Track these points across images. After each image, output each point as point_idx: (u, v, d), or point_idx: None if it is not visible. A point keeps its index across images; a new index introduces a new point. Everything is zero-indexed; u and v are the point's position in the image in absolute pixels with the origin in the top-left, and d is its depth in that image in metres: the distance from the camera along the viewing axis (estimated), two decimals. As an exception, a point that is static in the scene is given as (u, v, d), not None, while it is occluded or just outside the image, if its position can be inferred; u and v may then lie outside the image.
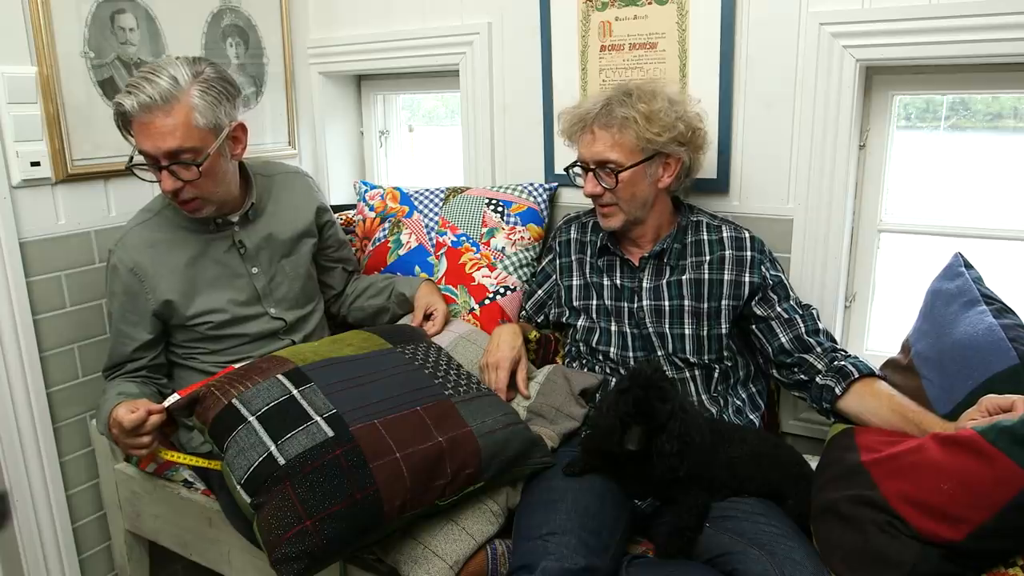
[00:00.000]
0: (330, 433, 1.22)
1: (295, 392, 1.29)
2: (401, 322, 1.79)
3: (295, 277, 1.72)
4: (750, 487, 1.36)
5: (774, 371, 1.56)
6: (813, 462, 1.42)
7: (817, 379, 1.46)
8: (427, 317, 1.76)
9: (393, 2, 2.17)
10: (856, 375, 1.41)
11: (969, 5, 1.42)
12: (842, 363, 1.44)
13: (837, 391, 1.42)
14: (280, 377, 1.32)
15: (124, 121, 1.45)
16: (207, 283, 1.60)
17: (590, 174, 1.55)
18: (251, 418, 1.26)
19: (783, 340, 1.52)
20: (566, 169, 1.62)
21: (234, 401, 1.28)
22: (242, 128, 1.54)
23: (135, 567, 1.88)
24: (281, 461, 1.20)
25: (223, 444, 1.26)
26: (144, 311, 1.57)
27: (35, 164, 1.68)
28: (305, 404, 1.27)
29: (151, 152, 1.43)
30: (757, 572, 1.18)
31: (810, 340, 1.50)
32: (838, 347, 1.50)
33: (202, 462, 1.47)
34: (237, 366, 1.43)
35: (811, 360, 1.48)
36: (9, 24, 1.63)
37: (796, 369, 1.50)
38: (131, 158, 1.47)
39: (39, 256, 1.73)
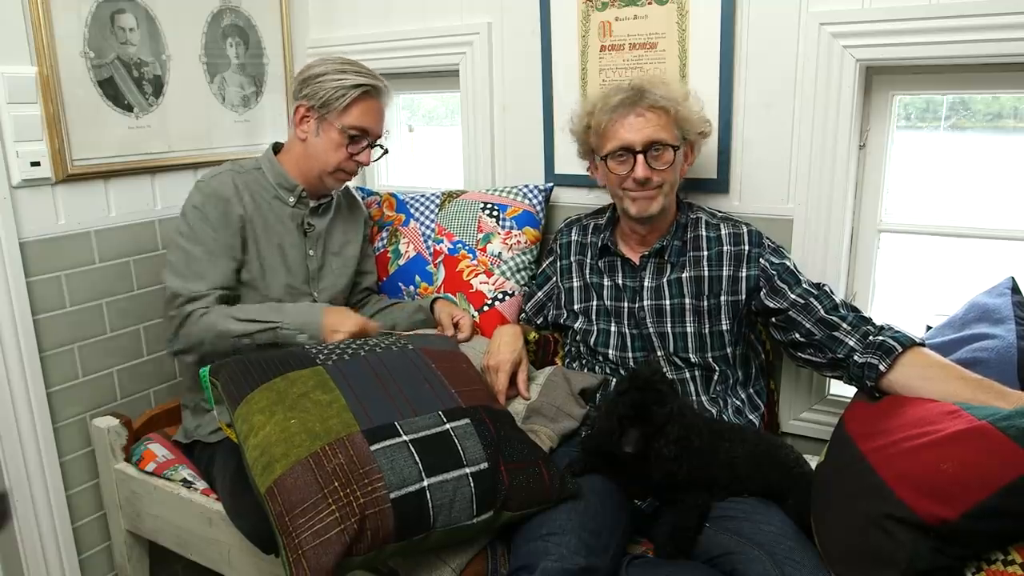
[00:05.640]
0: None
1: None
2: (425, 331, 1.75)
3: (341, 275, 1.85)
4: (750, 487, 1.36)
5: (806, 356, 1.51)
6: (813, 462, 1.42)
7: (855, 357, 1.39)
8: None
9: (393, 2, 2.17)
10: (900, 349, 1.35)
11: (969, 5, 1.42)
12: (880, 338, 1.38)
13: (881, 368, 1.34)
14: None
15: (360, 96, 1.66)
16: (272, 245, 1.72)
17: (639, 157, 1.52)
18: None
19: (807, 326, 1.48)
20: (603, 157, 1.57)
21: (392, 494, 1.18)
22: None
23: (135, 567, 1.88)
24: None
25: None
26: (236, 232, 1.65)
27: (35, 164, 1.68)
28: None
29: (371, 130, 1.70)
30: (757, 572, 1.18)
31: (833, 318, 1.46)
32: (864, 316, 1.46)
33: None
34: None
35: (841, 337, 1.43)
36: (9, 24, 1.63)
37: (827, 350, 1.45)
38: (343, 129, 1.68)
39: (39, 256, 1.73)
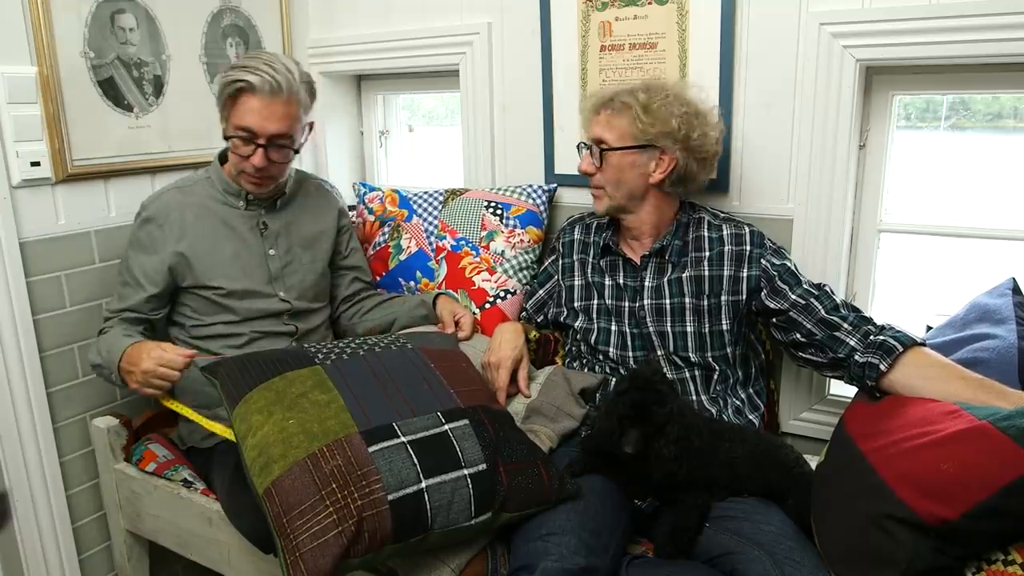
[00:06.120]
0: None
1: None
2: (425, 329, 1.76)
3: (310, 270, 1.80)
4: (750, 487, 1.36)
5: (807, 356, 1.51)
6: (813, 462, 1.42)
7: (856, 357, 1.39)
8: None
9: (393, 2, 2.17)
10: (900, 349, 1.34)
11: (969, 5, 1.42)
12: (881, 337, 1.38)
13: (882, 367, 1.33)
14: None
15: (233, 94, 1.57)
16: (226, 254, 1.69)
17: (584, 152, 1.61)
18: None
19: (808, 327, 1.48)
20: (578, 146, 1.66)
21: (389, 496, 1.18)
22: (310, 126, 1.72)
23: (135, 567, 1.88)
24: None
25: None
26: (160, 262, 1.65)
27: (35, 164, 1.68)
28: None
29: (255, 129, 1.57)
30: (757, 572, 1.18)
31: (834, 319, 1.46)
32: (865, 316, 1.46)
33: (205, 422, 1.55)
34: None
35: (842, 337, 1.43)
36: (9, 24, 1.63)
37: (828, 350, 1.45)
38: (224, 130, 1.63)
39: (39, 256, 1.73)
